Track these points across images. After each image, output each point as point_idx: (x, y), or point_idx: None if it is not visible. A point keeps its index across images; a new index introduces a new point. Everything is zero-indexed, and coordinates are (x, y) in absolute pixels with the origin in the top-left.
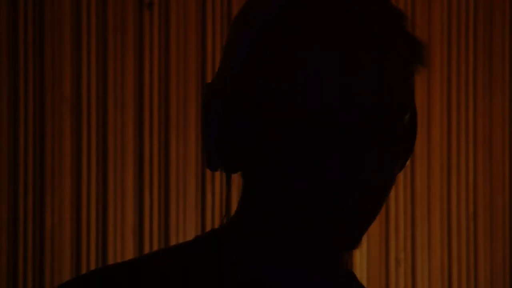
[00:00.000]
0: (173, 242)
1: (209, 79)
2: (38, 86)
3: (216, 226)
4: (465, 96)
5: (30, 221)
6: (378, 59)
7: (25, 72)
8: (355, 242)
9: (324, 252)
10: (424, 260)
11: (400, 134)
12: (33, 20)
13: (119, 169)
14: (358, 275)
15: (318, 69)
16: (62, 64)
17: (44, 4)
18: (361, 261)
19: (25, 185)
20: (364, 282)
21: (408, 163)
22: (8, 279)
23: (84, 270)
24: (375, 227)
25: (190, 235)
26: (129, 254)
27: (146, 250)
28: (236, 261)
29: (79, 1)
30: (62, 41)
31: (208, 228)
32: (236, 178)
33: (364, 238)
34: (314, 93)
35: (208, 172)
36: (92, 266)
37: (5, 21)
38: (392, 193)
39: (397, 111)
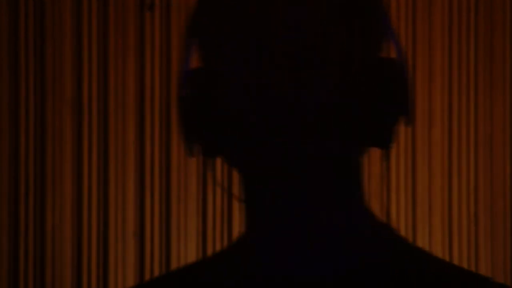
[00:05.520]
0: (174, 245)
1: None
2: (38, 88)
3: (217, 229)
4: (466, 98)
5: (31, 222)
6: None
7: (25, 74)
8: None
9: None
10: None
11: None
12: (34, 22)
13: (120, 171)
14: None
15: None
16: (63, 66)
17: (45, 5)
18: None
19: (26, 186)
20: None
21: (408, 164)
22: (9, 281)
23: (85, 273)
24: None
25: (192, 238)
26: (130, 256)
27: (147, 252)
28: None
29: (80, 2)
30: (63, 43)
31: (209, 232)
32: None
33: None
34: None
35: (210, 175)
36: (93, 268)
37: (6, 22)
38: (393, 195)
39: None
